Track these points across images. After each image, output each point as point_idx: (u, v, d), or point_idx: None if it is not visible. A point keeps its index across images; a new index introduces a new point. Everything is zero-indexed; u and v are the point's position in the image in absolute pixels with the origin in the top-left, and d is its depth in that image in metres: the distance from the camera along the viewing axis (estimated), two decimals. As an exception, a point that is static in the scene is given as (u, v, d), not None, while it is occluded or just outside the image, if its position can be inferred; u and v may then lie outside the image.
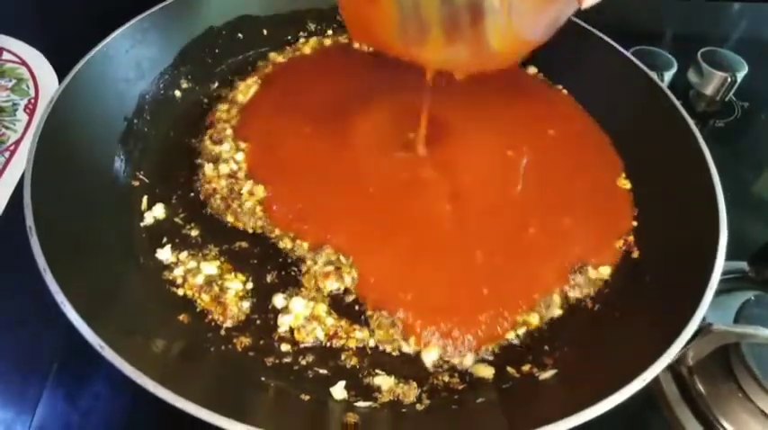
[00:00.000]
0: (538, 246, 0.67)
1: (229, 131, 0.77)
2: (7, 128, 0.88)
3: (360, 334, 0.59)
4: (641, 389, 0.65)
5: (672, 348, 0.46)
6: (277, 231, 0.67)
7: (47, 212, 0.54)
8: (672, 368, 0.66)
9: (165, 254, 0.63)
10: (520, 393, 0.53)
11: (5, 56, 0.99)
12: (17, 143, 0.86)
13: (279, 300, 0.60)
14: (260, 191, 0.70)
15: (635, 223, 0.70)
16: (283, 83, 0.85)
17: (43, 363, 0.62)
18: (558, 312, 0.63)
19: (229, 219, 0.68)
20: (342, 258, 0.64)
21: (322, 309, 0.60)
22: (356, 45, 0.90)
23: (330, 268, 0.63)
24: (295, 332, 0.58)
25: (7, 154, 0.85)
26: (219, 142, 0.75)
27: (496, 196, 0.72)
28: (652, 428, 0.65)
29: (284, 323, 0.59)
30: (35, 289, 0.66)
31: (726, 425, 0.62)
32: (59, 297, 0.47)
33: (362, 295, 0.62)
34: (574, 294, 0.64)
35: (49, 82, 0.96)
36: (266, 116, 0.79)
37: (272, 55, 0.88)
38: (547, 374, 0.55)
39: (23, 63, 0.99)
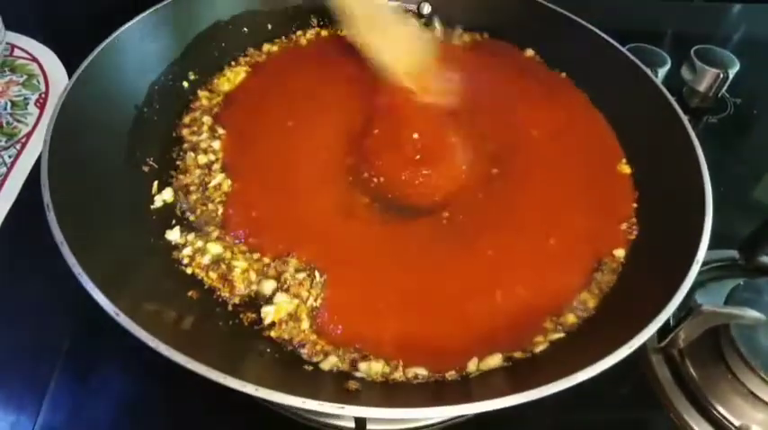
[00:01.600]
0: (558, 256, 0.63)
1: (207, 119, 0.76)
2: (19, 121, 0.91)
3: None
4: (635, 371, 0.67)
5: (658, 318, 0.48)
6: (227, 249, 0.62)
7: (61, 193, 0.55)
8: (664, 351, 0.68)
9: (173, 235, 0.64)
10: (516, 364, 0.55)
11: (17, 52, 1.01)
12: (28, 135, 0.88)
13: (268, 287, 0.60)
14: (226, 185, 0.68)
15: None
16: (272, 72, 0.83)
17: (50, 356, 0.64)
18: (592, 304, 0.60)
19: (192, 218, 0.66)
20: (316, 271, 0.60)
21: (303, 310, 0.58)
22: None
23: (303, 275, 0.60)
24: (275, 327, 0.57)
25: (19, 146, 0.87)
26: (197, 131, 0.75)
27: (502, 206, 0.67)
28: (645, 410, 0.67)
29: (268, 313, 0.57)
30: (37, 288, 0.69)
31: (716, 405, 0.64)
32: (76, 269, 0.48)
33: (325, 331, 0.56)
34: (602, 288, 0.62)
35: (58, 77, 0.98)
36: (249, 105, 0.78)
37: (266, 46, 0.88)
38: (542, 347, 0.56)
39: (34, 59, 1.01)
